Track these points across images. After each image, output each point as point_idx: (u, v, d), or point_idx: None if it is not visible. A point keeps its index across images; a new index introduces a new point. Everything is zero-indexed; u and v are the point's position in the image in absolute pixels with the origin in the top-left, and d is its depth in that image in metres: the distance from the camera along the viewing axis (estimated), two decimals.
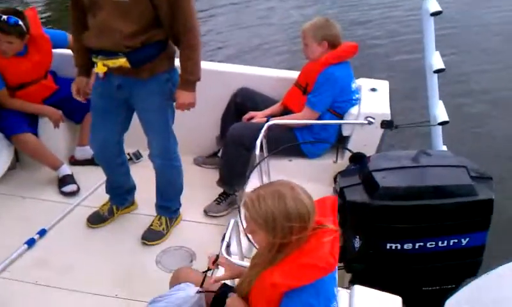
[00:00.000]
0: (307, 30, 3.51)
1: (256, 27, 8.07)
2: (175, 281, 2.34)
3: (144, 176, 3.54)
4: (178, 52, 3.01)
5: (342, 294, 2.20)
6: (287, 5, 8.82)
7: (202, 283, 2.20)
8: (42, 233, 3.35)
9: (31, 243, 3.28)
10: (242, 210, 2.01)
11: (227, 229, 2.34)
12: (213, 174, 3.89)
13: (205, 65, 3.88)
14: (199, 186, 3.75)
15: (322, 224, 1.96)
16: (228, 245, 2.28)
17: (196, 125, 3.76)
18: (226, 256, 2.24)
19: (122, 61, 2.87)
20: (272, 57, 6.93)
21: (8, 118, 3.68)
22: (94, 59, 2.95)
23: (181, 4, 2.81)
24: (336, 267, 1.98)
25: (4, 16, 3.43)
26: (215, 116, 3.93)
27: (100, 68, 2.91)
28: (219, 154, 4.02)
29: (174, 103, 3.08)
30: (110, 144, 3.26)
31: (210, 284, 2.18)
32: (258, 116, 3.61)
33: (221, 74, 3.97)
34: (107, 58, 2.88)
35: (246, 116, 3.63)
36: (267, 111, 3.64)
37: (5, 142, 3.72)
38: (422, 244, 2.62)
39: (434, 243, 2.63)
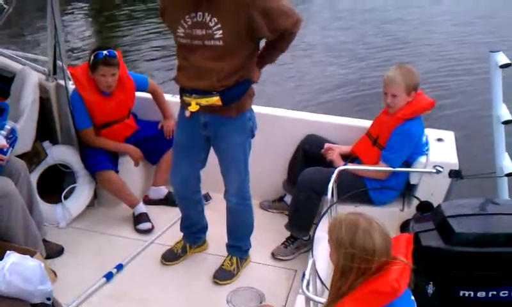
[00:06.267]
0: (399, 80, 3.36)
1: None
2: None
3: (213, 218, 3.67)
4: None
5: None
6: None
7: None
8: (119, 267, 3.50)
9: (109, 277, 3.42)
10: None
11: (307, 267, 2.44)
12: (279, 218, 4.01)
13: (273, 111, 4.11)
14: (265, 229, 3.81)
15: (394, 257, 2.05)
16: (308, 283, 2.38)
17: (262, 169, 3.85)
18: (307, 293, 2.34)
19: (215, 100, 2.97)
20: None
21: (94, 156, 3.87)
22: (187, 98, 3.04)
23: (272, 7, 2.83)
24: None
25: (105, 51, 3.62)
26: (282, 161, 4.04)
27: (193, 107, 3.01)
28: (285, 199, 4.13)
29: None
30: (190, 180, 3.38)
31: None
32: (335, 150, 3.65)
33: (288, 120, 4.09)
34: (201, 97, 2.99)
35: (325, 147, 3.68)
36: (343, 148, 3.70)
37: (88, 179, 3.94)
38: (495, 292, 2.62)
39: (507, 292, 2.64)
